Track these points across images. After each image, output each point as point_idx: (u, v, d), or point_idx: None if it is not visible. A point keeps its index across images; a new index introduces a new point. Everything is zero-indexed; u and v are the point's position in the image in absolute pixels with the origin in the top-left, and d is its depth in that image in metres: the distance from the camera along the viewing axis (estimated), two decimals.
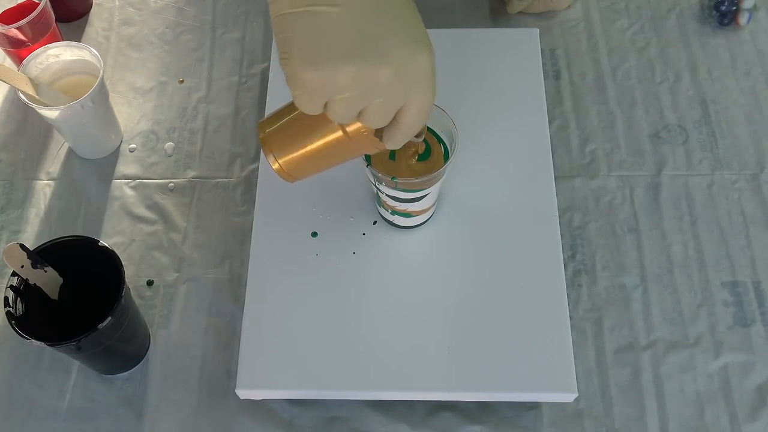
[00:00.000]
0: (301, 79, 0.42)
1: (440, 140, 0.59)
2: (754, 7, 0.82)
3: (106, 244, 0.58)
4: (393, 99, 0.43)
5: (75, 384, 0.65)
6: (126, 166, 0.75)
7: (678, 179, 0.73)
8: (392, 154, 0.58)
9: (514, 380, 0.59)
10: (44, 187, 0.74)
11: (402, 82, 0.42)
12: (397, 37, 0.42)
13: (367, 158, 0.58)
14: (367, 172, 0.59)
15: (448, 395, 0.61)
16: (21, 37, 0.72)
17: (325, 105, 0.44)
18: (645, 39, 0.82)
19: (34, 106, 0.66)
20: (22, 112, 0.79)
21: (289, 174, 0.52)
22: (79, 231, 0.71)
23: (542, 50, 0.76)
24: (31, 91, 0.67)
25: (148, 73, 0.81)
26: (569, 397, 0.59)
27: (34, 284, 0.58)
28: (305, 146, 0.50)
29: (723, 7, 0.81)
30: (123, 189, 0.74)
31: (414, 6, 0.44)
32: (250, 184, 0.73)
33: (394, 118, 0.45)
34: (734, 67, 0.80)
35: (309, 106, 0.44)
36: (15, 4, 0.75)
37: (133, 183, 0.74)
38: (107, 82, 0.78)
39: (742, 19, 0.81)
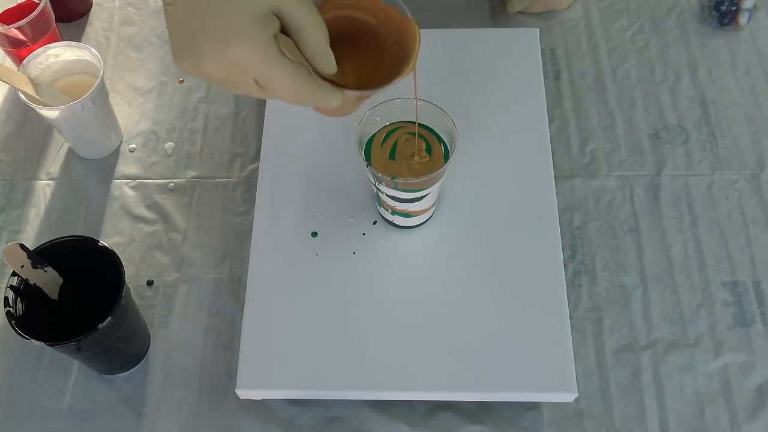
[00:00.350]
0: (182, 67, 0.46)
1: (440, 140, 0.59)
2: (754, 7, 0.82)
3: (106, 244, 0.58)
4: (238, 85, 0.45)
5: (75, 384, 0.65)
6: (126, 166, 0.75)
7: (678, 179, 0.73)
8: (392, 154, 0.58)
9: (514, 380, 0.59)
10: (44, 187, 0.74)
11: (231, 72, 0.44)
12: (209, 34, 0.44)
13: (367, 158, 0.58)
14: (367, 172, 0.59)
15: (448, 395, 0.61)
16: (21, 37, 0.72)
17: None
18: (645, 39, 0.82)
19: (34, 106, 0.66)
20: (22, 112, 0.79)
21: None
22: (79, 231, 0.71)
23: (542, 50, 0.76)
24: (31, 91, 0.67)
25: (148, 73, 0.81)
26: (569, 397, 0.59)
27: (34, 284, 0.58)
28: None
29: (723, 7, 0.81)
30: (123, 189, 0.74)
31: None
32: (250, 184, 0.73)
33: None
34: (734, 67, 0.80)
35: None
36: (15, 4, 0.75)
37: (133, 183, 0.74)
38: (107, 82, 0.78)
39: (742, 19, 0.81)
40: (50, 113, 0.67)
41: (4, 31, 0.71)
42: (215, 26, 0.43)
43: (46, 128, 0.77)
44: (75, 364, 0.65)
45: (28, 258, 0.56)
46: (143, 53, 0.82)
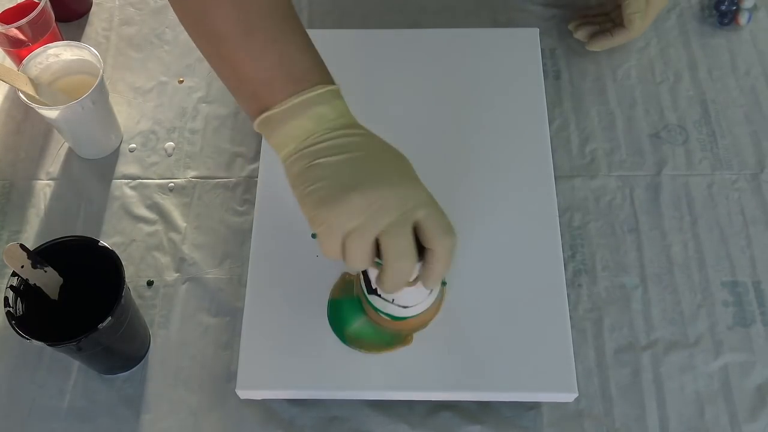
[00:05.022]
0: (318, 217, 0.49)
1: None
2: (754, 7, 0.82)
3: (106, 244, 0.58)
4: (402, 218, 0.48)
5: (75, 384, 0.64)
6: (126, 166, 0.75)
7: (678, 179, 0.73)
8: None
9: (514, 380, 0.59)
10: (44, 187, 0.74)
11: (404, 201, 0.49)
12: (390, 173, 0.50)
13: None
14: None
15: (448, 395, 0.61)
16: (21, 36, 0.72)
17: (344, 248, 0.49)
18: (645, 39, 0.82)
19: (34, 106, 0.66)
20: (22, 112, 0.79)
21: None
22: (79, 231, 0.71)
23: (542, 50, 0.75)
24: (31, 91, 0.67)
25: (148, 73, 0.81)
26: (569, 397, 0.59)
27: (34, 284, 0.58)
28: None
29: (723, 7, 0.81)
30: (123, 189, 0.74)
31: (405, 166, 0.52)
32: (250, 184, 0.73)
33: (426, 259, 0.50)
34: (734, 67, 0.80)
35: (330, 246, 0.49)
36: (15, 4, 0.75)
37: (133, 183, 0.74)
38: (107, 82, 0.78)
39: (742, 19, 0.81)
40: (50, 113, 0.67)
41: (4, 31, 0.71)
42: (399, 171, 0.51)
43: (46, 128, 0.77)
44: (75, 364, 0.65)
45: (28, 258, 0.56)
46: (143, 53, 0.82)
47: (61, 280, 0.59)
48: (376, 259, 0.50)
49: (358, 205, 0.47)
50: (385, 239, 0.48)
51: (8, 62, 0.79)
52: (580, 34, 0.79)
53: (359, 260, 0.49)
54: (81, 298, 0.60)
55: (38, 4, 0.72)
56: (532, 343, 0.60)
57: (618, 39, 0.76)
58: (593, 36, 0.78)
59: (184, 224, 0.72)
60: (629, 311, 0.67)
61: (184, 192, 0.73)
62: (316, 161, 0.49)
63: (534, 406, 0.62)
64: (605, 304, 0.67)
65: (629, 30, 0.75)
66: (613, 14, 0.79)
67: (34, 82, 0.68)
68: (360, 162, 0.50)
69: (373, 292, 0.57)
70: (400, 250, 0.49)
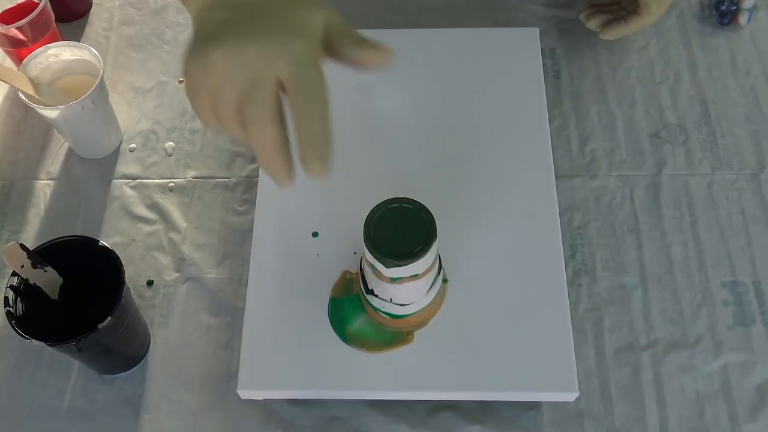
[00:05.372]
0: (184, 74, 0.44)
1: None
2: (754, 7, 0.82)
3: (106, 244, 0.58)
4: (260, 76, 0.42)
5: (75, 384, 0.64)
6: (126, 165, 0.75)
7: (678, 179, 0.73)
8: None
9: (515, 380, 0.59)
10: (44, 187, 0.74)
11: (265, 57, 0.42)
12: (266, 27, 0.43)
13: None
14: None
15: (448, 395, 0.61)
16: (21, 37, 0.72)
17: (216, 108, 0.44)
18: (645, 39, 0.82)
19: (34, 106, 0.67)
20: (22, 112, 0.79)
21: None
22: (79, 231, 0.71)
23: (542, 50, 0.75)
24: (31, 91, 0.67)
25: (148, 73, 0.81)
26: (570, 397, 0.59)
27: (34, 284, 0.58)
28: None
29: (723, 7, 0.81)
30: (123, 189, 0.74)
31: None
32: (250, 184, 0.73)
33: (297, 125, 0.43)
34: (734, 67, 0.80)
35: (196, 106, 0.45)
36: (15, 4, 0.75)
37: (133, 183, 0.74)
38: (107, 82, 0.78)
39: (742, 19, 0.81)
40: (50, 113, 0.67)
41: (4, 31, 0.71)
42: (272, 20, 0.43)
43: (46, 128, 0.77)
44: (75, 364, 0.65)
45: (28, 258, 0.56)
46: (143, 53, 0.82)
47: (61, 280, 0.59)
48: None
49: (217, 60, 0.42)
50: (245, 103, 0.42)
51: (8, 62, 0.79)
52: (593, 24, 0.77)
53: (228, 125, 0.44)
54: (81, 298, 0.60)
55: (38, 4, 0.72)
56: (532, 343, 0.60)
57: (633, 26, 0.75)
58: (606, 24, 0.76)
59: (184, 224, 0.72)
60: (629, 311, 0.67)
61: (184, 192, 0.73)
62: (202, 16, 0.45)
63: (534, 406, 0.62)
64: (605, 304, 0.67)
65: (644, 16, 0.73)
66: (624, 2, 0.78)
67: (34, 82, 0.68)
68: (241, 16, 0.43)
69: (371, 292, 0.57)
70: (256, 114, 0.42)
